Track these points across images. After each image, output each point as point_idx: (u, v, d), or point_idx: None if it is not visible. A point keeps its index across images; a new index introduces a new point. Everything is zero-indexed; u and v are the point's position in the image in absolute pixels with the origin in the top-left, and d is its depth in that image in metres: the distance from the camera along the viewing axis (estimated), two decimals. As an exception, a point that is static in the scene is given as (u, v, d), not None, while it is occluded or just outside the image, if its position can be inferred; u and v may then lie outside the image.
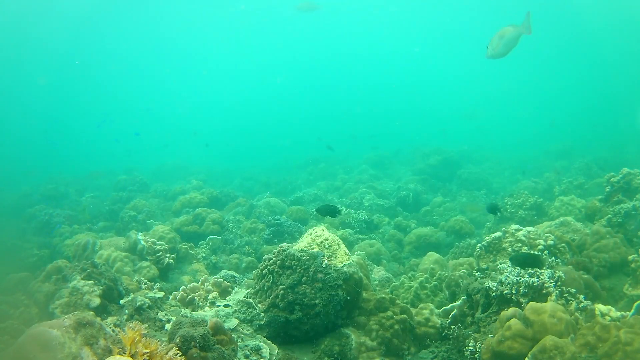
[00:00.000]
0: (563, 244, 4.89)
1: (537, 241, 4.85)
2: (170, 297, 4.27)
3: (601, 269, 4.64)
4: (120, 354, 2.11)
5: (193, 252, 6.75)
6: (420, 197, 11.31)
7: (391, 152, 18.57)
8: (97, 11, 29.14)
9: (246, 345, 3.29)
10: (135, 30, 34.32)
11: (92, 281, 3.93)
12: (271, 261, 3.90)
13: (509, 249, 4.93)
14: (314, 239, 4.02)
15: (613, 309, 3.51)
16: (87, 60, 37.01)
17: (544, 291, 3.42)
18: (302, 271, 3.71)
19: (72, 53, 34.93)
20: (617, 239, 4.86)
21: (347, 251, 4.02)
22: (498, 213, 7.20)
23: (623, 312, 3.49)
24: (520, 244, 4.89)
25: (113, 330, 2.32)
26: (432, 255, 5.97)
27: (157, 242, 6.02)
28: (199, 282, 4.48)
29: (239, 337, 3.41)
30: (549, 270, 3.56)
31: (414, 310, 4.18)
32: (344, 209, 9.27)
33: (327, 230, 4.18)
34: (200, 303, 4.19)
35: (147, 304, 3.57)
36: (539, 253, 5.16)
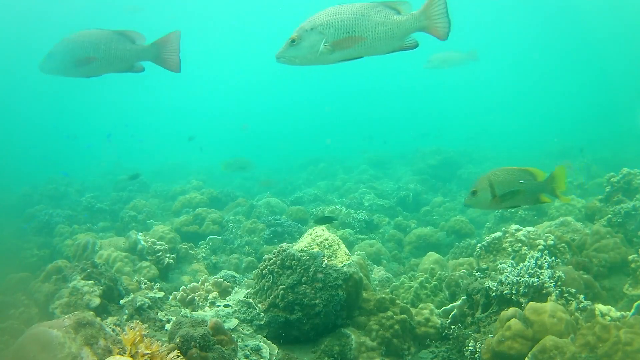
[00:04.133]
0: (563, 244, 4.89)
1: (537, 241, 4.85)
2: (170, 297, 4.27)
3: (601, 269, 4.64)
4: (120, 354, 2.11)
5: (193, 252, 6.74)
6: (420, 197, 11.30)
7: (391, 152, 18.57)
8: (96, 16, 29.20)
9: (246, 345, 3.29)
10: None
11: (92, 281, 3.93)
12: (271, 261, 3.90)
13: (509, 249, 4.93)
14: (314, 239, 4.02)
15: (613, 309, 3.51)
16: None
17: (544, 291, 3.42)
18: (302, 271, 3.71)
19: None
20: (617, 239, 4.86)
21: (347, 251, 4.01)
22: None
23: (623, 312, 3.49)
24: (520, 244, 4.89)
25: (113, 330, 2.32)
26: (432, 255, 5.96)
27: (157, 242, 6.01)
28: (199, 282, 4.47)
29: (239, 337, 3.41)
30: (549, 270, 3.56)
31: (414, 310, 4.18)
32: (344, 209, 9.27)
33: (327, 231, 4.18)
34: (200, 303, 4.19)
35: (147, 304, 3.57)
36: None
